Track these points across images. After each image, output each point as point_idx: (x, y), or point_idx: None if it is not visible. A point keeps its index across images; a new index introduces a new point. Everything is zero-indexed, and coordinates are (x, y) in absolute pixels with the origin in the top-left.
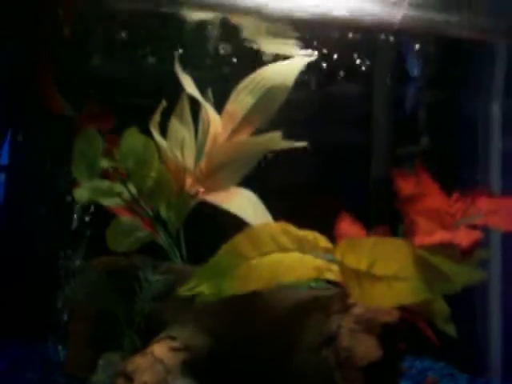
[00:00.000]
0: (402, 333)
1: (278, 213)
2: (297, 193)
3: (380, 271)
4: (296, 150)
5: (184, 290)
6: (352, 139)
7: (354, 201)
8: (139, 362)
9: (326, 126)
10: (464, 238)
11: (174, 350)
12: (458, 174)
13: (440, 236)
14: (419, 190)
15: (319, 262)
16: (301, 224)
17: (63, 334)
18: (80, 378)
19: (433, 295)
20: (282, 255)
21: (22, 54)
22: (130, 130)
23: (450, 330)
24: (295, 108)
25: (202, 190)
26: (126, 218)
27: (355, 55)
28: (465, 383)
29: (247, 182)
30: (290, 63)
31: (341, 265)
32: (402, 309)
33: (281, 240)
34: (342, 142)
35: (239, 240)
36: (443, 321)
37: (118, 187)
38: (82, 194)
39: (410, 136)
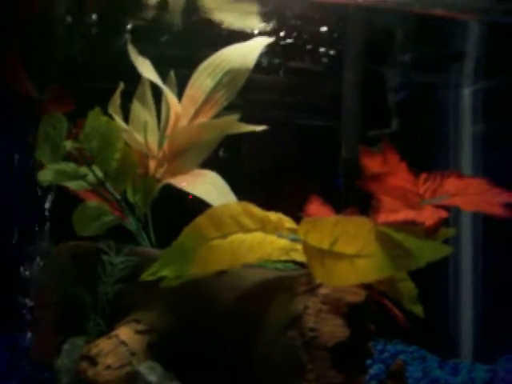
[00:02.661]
0: (371, 314)
1: (247, 197)
2: (267, 176)
3: (343, 249)
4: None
5: (147, 275)
6: (321, 122)
7: (325, 184)
8: (103, 345)
9: (294, 109)
10: (429, 216)
11: (139, 332)
12: (428, 157)
13: (404, 214)
14: (386, 168)
15: (283, 242)
16: (270, 208)
17: (29, 320)
18: (46, 365)
19: (396, 272)
20: (244, 236)
21: None
22: (93, 112)
23: (418, 310)
24: (260, 91)
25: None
26: (92, 202)
27: (323, 34)
28: (435, 365)
29: (218, 166)
30: (251, 44)
31: (304, 244)
32: (370, 289)
33: (242, 220)
34: (311, 125)
35: (200, 221)
36: (410, 301)
37: (84, 170)
38: (46, 175)
39: (381, 118)
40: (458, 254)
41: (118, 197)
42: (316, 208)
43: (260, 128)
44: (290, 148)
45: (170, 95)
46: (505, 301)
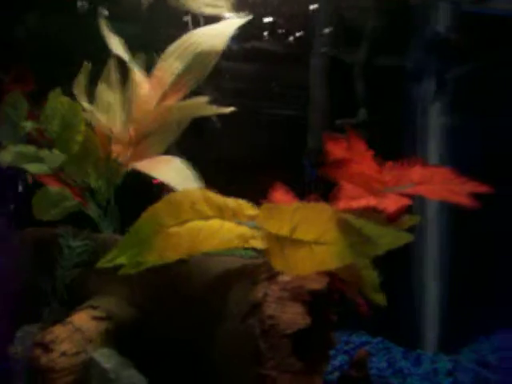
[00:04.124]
0: (333, 303)
1: (213, 185)
2: (233, 164)
3: (302, 236)
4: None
5: (104, 262)
6: (289, 111)
7: (291, 172)
8: (58, 332)
9: (261, 97)
10: (391, 203)
11: (96, 319)
12: (395, 146)
13: (365, 201)
14: (350, 155)
15: (242, 230)
16: (237, 195)
17: None
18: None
19: (356, 259)
20: (202, 223)
21: None
22: (54, 92)
23: (380, 299)
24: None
25: None
26: (53, 187)
27: (292, 18)
28: (400, 356)
29: (184, 153)
30: (221, 27)
31: (263, 231)
32: (332, 277)
33: (201, 207)
34: (278, 114)
35: (158, 208)
36: (373, 290)
37: (44, 153)
38: (5, 156)
39: (349, 108)
40: (423, 242)
41: (78, 182)
42: (279, 195)
43: (228, 110)
44: (256, 136)
45: (138, 74)
46: (470, 291)
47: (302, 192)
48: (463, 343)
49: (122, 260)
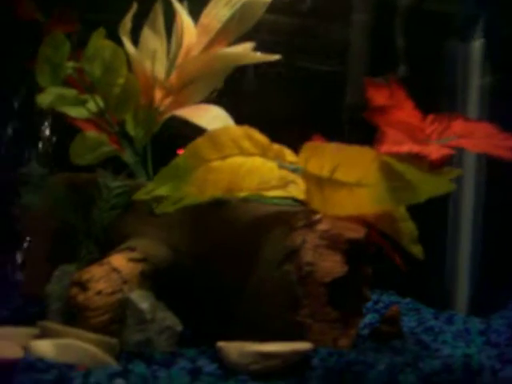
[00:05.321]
0: (369, 257)
1: None
2: (270, 120)
3: (342, 177)
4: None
5: (141, 194)
6: (328, 66)
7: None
8: (95, 272)
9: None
10: (434, 151)
11: (133, 260)
12: (435, 105)
13: (409, 146)
14: (392, 101)
15: (283, 172)
16: None
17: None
18: (37, 297)
19: (396, 204)
20: (244, 159)
21: None
22: (97, 33)
23: (417, 251)
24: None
25: None
26: (91, 132)
27: None
28: (430, 316)
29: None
30: None
31: (304, 171)
32: (370, 228)
33: (243, 143)
34: (318, 70)
35: (200, 143)
36: (410, 242)
37: (84, 96)
38: (45, 99)
39: (387, 64)
40: (458, 202)
41: (116, 128)
42: None
43: (274, 58)
44: (294, 91)
45: (185, 20)
46: (503, 254)
47: None
48: (494, 309)
49: (160, 191)
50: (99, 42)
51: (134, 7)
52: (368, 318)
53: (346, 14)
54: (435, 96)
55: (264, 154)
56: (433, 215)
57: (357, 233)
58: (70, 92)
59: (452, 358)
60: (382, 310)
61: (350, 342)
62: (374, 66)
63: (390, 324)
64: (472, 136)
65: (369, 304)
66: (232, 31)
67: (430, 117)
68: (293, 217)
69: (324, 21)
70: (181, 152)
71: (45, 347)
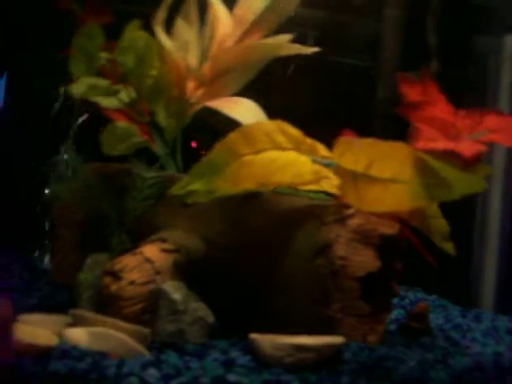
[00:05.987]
0: (400, 252)
1: None
2: (302, 112)
3: (377, 173)
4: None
5: (176, 189)
6: (360, 60)
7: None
8: (128, 261)
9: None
10: (467, 148)
11: (165, 251)
12: (465, 101)
13: (443, 144)
14: (425, 97)
15: (317, 167)
16: None
17: (49, 241)
18: (65, 286)
19: (430, 201)
20: (278, 153)
21: None
22: (131, 25)
23: (449, 247)
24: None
25: None
26: (122, 122)
27: None
28: (457, 314)
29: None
30: None
31: (338, 166)
32: (402, 224)
33: (277, 138)
34: (349, 64)
35: (233, 137)
36: (442, 238)
37: (117, 86)
38: (78, 88)
39: (419, 59)
40: (486, 200)
41: (147, 119)
42: None
43: (311, 50)
44: (325, 85)
45: (219, 11)
46: None
47: None
48: None
49: (194, 187)
50: (133, 33)
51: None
52: (394, 314)
53: (379, 9)
54: (466, 91)
55: (297, 148)
56: (460, 212)
57: (390, 228)
58: (103, 82)
59: (483, 356)
60: (408, 306)
61: (379, 337)
62: (406, 60)
63: (418, 320)
64: (505, 131)
65: (395, 300)
66: (266, 23)
67: (462, 112)
68: (325, 211)
69: (357, 15)
70: (195, 145)
71: (79, 335)
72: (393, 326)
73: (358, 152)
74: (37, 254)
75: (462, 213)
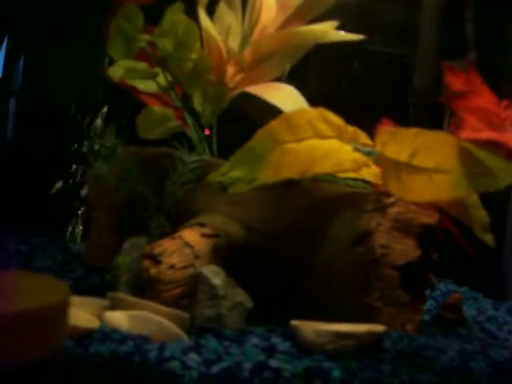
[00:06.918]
0: (438, 242)
1: None
2: (338, 100)
3: (421, 162)
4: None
5: (216, 176)
6: (397, 50)
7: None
8: (167, 245)
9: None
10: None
11: (204, 236)
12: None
13: (487, 133)
14: (469, 87)
15: (358, 155)
16: None
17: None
18: (98, 268)
19: (474, 191)
20: (320, 141)
21: None
22: (173, 7)
23: (488, 238)
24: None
25: None
26: (157, 106)
27: None
28: (489, 306)
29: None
30: None
31: (380, 156)
32: (442, 214)
33: (319, 126)
34: (386, 53)
35: (275, 125)
36: (482, 229)
37: (155, 70)
38: (116, 71)
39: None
40: None
41: (181, 104)
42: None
43: (356, 37)
44: (361, 74)
45: None
46: None
47: None
48: None
49: (235, 174)
50: (175, 16)
51: None
52: (426, 305)
53: None
54: (504, 81)
55: (340, 136)
56: (492, 203)
57: (430, 218)
58: (141, 65)
59: None
60: (439, 297)
61: (416, 327)
62: (443, 50)
63: (452, 311)
64: None
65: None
66: (309, 10)
67: (505, 102)
68: (364, 199)
69: (394, 3)
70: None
71: (119, 318)
72: (426, 317)
73: (402, 141)
74: (70, 235)
75: (495, 204)
